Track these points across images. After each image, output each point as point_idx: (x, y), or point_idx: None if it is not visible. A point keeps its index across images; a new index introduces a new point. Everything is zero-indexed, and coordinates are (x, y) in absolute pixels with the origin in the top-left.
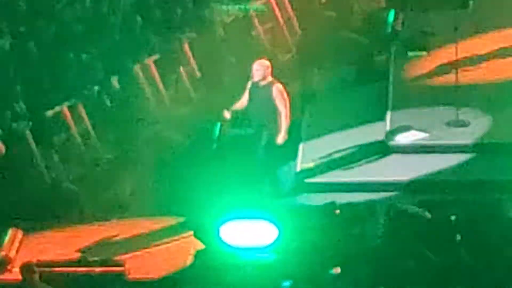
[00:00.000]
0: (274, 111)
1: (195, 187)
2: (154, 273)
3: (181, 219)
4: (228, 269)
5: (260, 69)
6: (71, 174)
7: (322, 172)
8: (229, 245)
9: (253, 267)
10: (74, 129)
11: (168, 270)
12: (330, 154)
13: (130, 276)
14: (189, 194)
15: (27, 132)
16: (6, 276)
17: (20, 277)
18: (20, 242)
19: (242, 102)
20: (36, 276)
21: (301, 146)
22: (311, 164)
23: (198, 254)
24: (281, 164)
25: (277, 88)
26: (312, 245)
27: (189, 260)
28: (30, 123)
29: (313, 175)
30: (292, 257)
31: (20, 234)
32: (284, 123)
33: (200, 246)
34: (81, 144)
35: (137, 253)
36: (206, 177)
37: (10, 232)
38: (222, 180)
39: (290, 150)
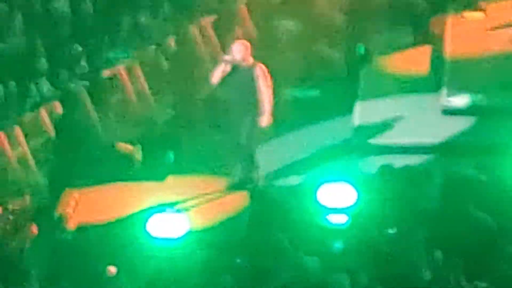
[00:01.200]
0: (256, 93)
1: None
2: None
3: (235, 179)
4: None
5: (240, 50)
6: (127, 134)
7: (377, 134)
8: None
9: (310, 228)
10: (130, 90)
11: (224, 226)
12: (385, 116)
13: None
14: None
15: (84, 92)
16: (63, 235)
17: (76, 235)
18: (77, 201)
19: (213, 80)
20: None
21: (357, 107)
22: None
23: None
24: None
25: (260, 69)
26: (369, 207)
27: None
28: (87, 83)
29: (369, 137)
30: (348, 218)
31: (76, 193)
32: (267, 104)
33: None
34: (137, 104)
35: (194, 210)
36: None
37: (66, 191)
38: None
39: (345, 110)
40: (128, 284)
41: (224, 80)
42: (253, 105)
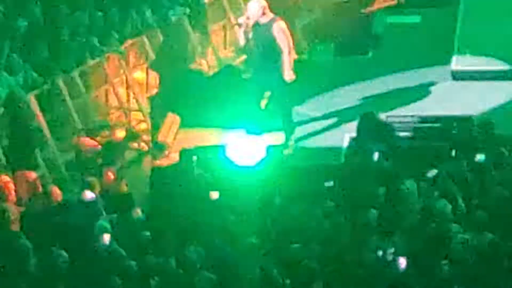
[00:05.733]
0: (276, 49)
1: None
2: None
3: None
4: None
5: (256, 7)
6: (227, 61)
7: (478, 60)
8: None
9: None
10: (230, 14)
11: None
12: (486, 42)
13: None
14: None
15: (184, 19)
16: (164, 161)
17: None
18: (178, 128)
19: (240, 42)
20: (193, 161)
21: (458, 34)
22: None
23: None
24: None
25: (279, 25)
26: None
27: None
28: (188, 10)
29: (470, 64)
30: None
31: (177, 120)
32: (287, 60)
33: None
34: (237, 31)
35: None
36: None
37: (167, 118)
38: None
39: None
40: (230, 210)
41: (247, 39)
42: (273, 61)
